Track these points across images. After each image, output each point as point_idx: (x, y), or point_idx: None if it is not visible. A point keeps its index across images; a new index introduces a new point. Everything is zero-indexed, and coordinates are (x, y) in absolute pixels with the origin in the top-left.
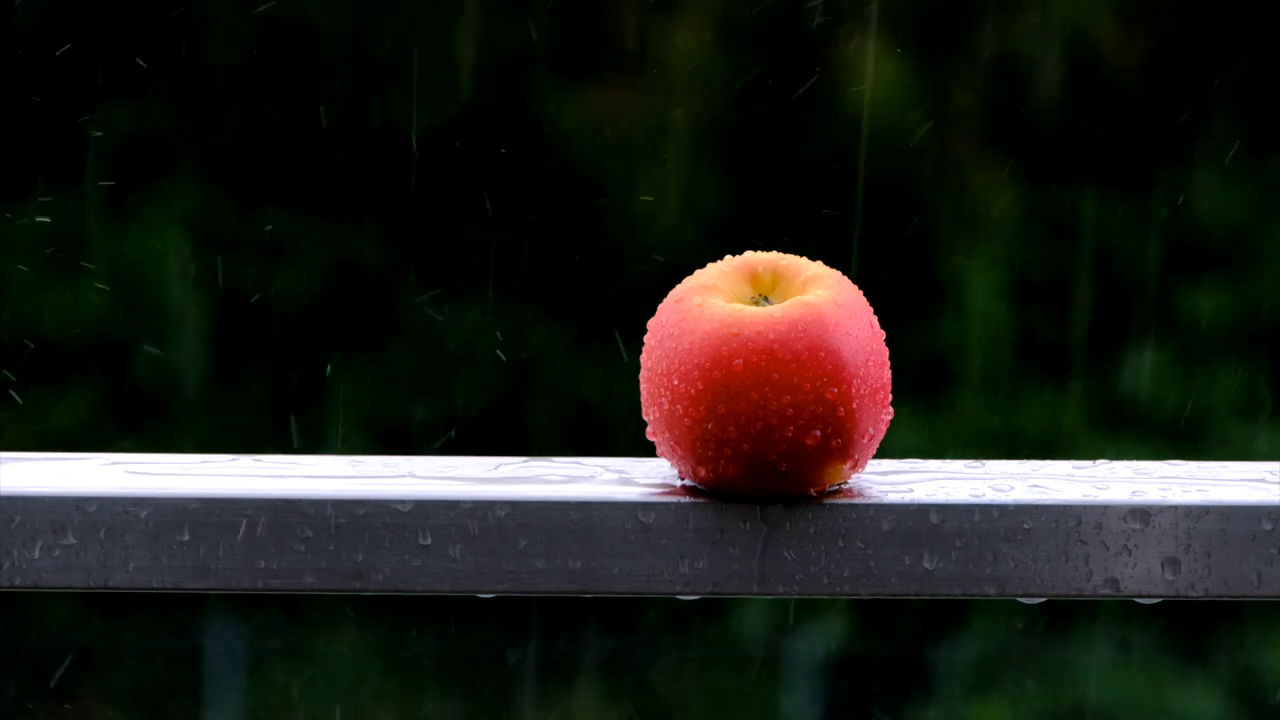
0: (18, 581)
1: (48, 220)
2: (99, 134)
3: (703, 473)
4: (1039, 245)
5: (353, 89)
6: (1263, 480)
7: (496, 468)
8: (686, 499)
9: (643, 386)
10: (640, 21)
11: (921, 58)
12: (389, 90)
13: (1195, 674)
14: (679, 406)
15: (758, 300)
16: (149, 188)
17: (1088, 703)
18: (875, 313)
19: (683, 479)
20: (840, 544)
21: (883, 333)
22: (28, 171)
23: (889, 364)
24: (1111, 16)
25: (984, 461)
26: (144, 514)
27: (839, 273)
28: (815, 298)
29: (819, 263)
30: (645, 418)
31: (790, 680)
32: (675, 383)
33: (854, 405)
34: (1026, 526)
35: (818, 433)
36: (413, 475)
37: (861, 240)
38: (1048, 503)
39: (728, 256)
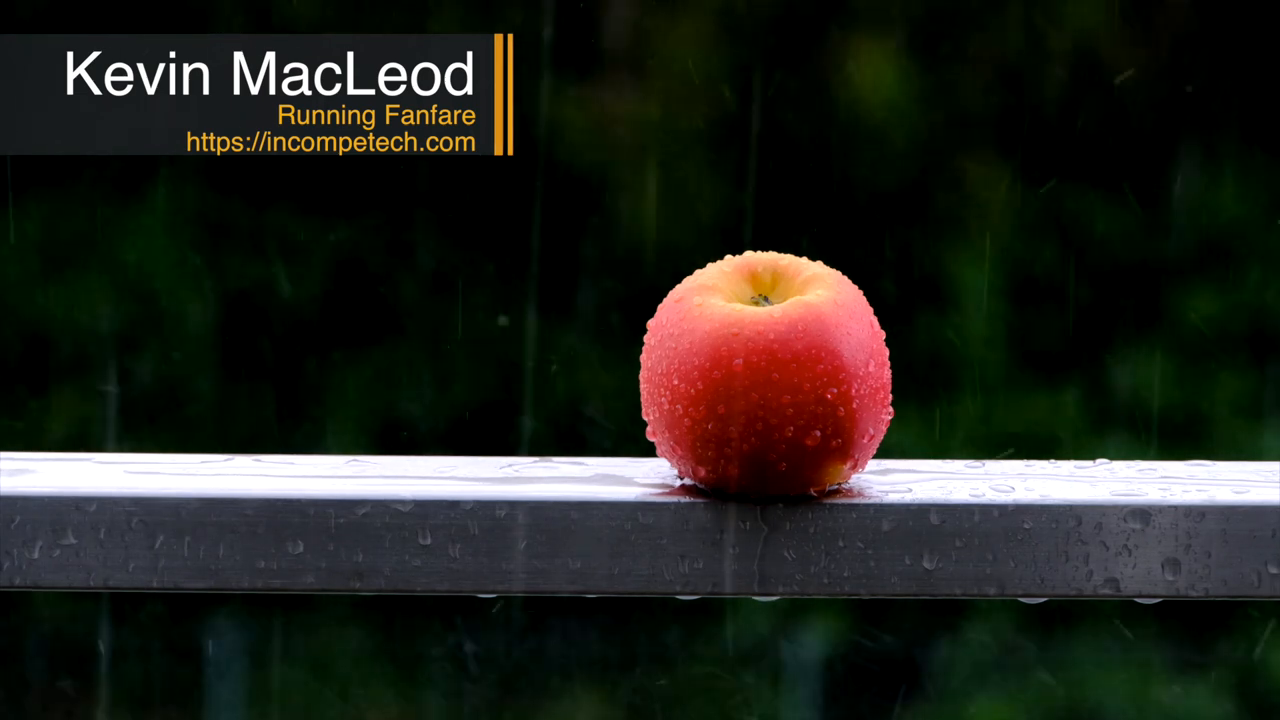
0: (18, 581)
1: (48, 218)
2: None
3: (703, 473)
4: (1039, 245)
5: None
6: (1263, 480)
7: (497, 468)
8: (686, 499)
9: (643, 387)
10: (640, 20)
11: (922, 57)
12: None
13: (1195, 674)
14: (679, 406)
15: (758, 300)
16: (150, 184)
17: (1088, 703)
18: (875, 313)
19: (683, 479)
20: (840, 544)
21: (883, 333)
22: (28, 169)
23: (889, 364)
24: (1113, 16)
25: (984, 461)
26: (144, 514)
27: (839, 272)
28: (815, 298)
29: (819, 263)
30: (645, 418)
31: (790, 680)
32: (675, 383)
33: (854, 405)
34: (1026, 526)
35: (818, 433)
36: (413, 475)
37: (861, 240)
38: (1048, 503)
39: (728, 256)
